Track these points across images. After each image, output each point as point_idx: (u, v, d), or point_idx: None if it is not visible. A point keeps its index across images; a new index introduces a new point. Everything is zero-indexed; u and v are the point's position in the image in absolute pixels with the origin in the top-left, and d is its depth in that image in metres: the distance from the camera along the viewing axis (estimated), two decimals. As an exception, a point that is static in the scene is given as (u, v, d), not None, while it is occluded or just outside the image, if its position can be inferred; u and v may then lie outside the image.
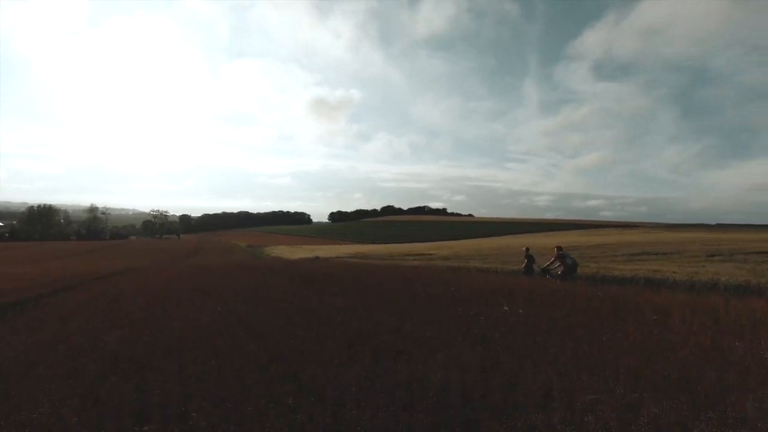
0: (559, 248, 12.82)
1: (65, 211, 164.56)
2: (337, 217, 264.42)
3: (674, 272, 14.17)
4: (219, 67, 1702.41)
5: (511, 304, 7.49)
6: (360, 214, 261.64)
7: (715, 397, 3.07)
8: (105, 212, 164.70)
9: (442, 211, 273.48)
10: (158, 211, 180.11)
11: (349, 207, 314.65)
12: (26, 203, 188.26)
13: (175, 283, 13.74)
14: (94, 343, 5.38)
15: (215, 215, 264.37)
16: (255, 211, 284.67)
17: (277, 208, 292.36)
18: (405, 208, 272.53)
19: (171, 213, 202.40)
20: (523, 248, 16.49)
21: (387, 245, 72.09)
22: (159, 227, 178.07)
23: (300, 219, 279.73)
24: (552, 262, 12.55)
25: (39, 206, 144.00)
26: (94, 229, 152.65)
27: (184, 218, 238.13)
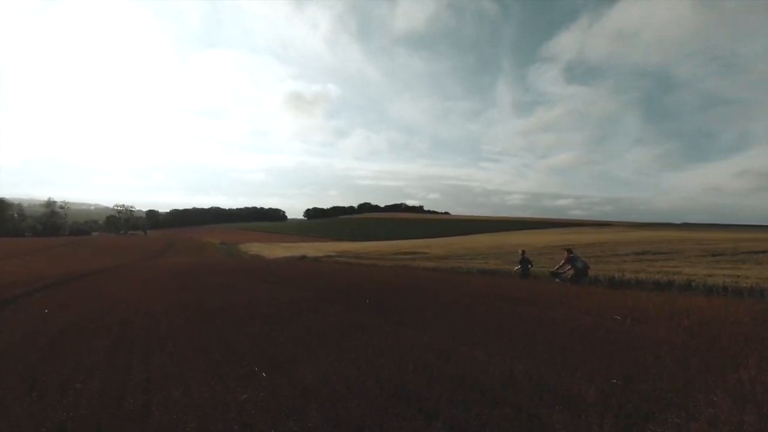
0: (570, 250, 12.16)
1: (19, 205, 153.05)
2: (313, 213, 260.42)
3: (709, 275, 13.02)
4: (190, 56, 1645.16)
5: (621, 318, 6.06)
6: (337, 211, 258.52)
7: None
8: (64, 207, 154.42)
9: (419, 209, 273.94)
10: (123, 206, 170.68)
11: (324, 204, 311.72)
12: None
13: (146, 294, 11.58)
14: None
15: (185, 211, 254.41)
16: (228, 207, 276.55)
17: (251, 205, 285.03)
18: (382, 205, 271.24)
19: (137, 208, 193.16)
20: (520, 250, 15.82)
21: (372, 243, 70.19)
22: (124, 223, 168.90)
23: (275, 216, 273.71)
24: (562, 265, 11.90)
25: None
26: (52, 224, 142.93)
27: (152, 214, 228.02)
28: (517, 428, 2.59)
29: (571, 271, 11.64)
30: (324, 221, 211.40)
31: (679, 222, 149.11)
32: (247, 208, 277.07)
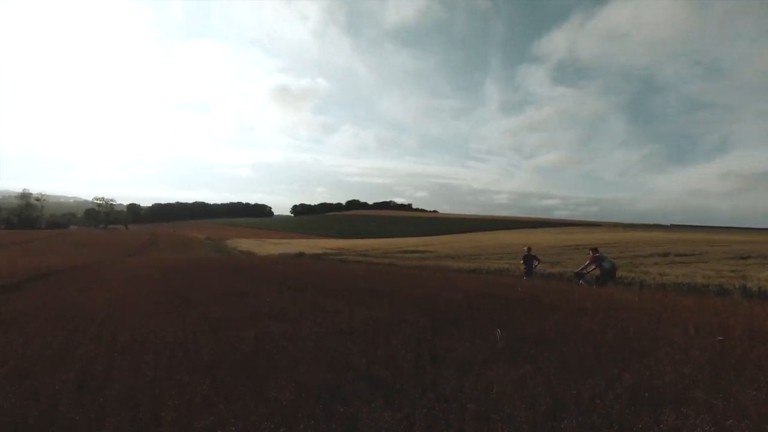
0: (595, 250, 11.46)
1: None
2: (300, 210, 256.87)
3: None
4: (173, 46, 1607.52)
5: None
6: (325, 207, 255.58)
7: None
8: (40, 199, 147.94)
9: (407, 207, 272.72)
10: (103, 199, 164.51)
11: (311, 200, 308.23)
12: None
13: (128, 307, 9.50)
14: None
15: (168, 205, 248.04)
16: (213, 203, 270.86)
17: (236, 200, 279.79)
18: (371, 202, 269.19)
19: (118, 202, 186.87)
20: (525, 247, 15.23)
21: (367, 240, 68.17)
22: (104, 217, 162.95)
23: (261, 211, 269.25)
24: (587, 266, 11.28)
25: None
26: (27, 217, 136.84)
27: (133, 208, 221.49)
28: None
29: (597, 272, 11.07)
30: (312, 218, 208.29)
31: (667, 223, 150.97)
32: (232, 204, 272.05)
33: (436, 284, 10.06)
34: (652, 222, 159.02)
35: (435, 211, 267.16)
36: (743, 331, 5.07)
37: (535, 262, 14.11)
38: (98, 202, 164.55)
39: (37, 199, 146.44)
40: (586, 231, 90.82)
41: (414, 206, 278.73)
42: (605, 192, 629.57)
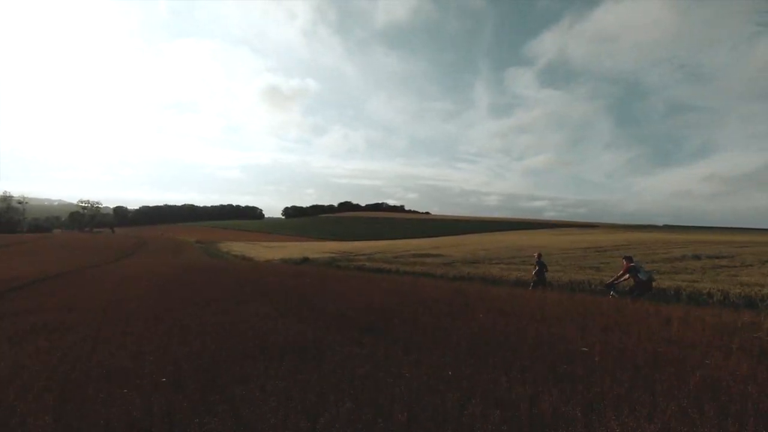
0: (629, 258, 10.36)
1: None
2: (292, 212, 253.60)
3: None
4: (159, 45, 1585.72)
5: None
6: (317, 209, 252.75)
7: None
8: (22, 202, 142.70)
9: (400, 209, 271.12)
10: (88, 201, 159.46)
11: (300, 202, 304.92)
12: None
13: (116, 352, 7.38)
14: None
15: (156, 208, 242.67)
16: (202, 205, 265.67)
17: (225, 202, 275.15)
18: (363, 204, 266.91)
19: (104, 204, 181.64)
20: (535, 253, 14.27)
21: (372, 243, 66.10)
22: (89, 220, 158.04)
23: (251, 214, 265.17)
24: (620, 276, 10.26)
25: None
26: (8, 220, 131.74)
27: (120, 210, 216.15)
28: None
29: (630, 282, 10.20)
30: (304, 220, 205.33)
31: (660, 224, 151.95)
32: (222, 206, 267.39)
33: (558, 313, 7.76)
34: (643, 223, 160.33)
35: (427, 213, 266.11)
36: None
37: (545, 270, 13.23)
38: (83, 204, 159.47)
39: (20, 202, 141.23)
40: (584, 232, 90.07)
41: (406, 208, 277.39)
42: (593, 194, 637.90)
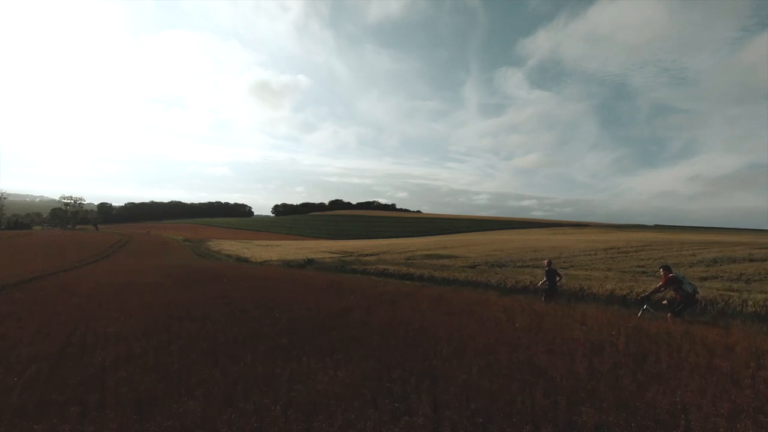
0: (668, 268, 8.73)
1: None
2: (282, 209, 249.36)
3: None
4: (145, 37, 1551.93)
5: None
6: (307, 207, 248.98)
7: None
8: (2, 198, 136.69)
9: (392, 207, 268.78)
10: (71, 197, 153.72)
11: (289, 200, 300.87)
12: None
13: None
14: None
15: (142, 204, 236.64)
16: (189, 202, 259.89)
17: (214, 200, 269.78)
18: (354, 202, 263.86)
19: (88, 201, 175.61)
20: (545, 261, 12.92)
21: (371, 241, 63.63)
22: (71, 216, 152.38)
23: (240, 211, 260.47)
24: (659, 288, 8.62)
25: None
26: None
27: (104, 207, 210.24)
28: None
29: (669, 296, 9.19)
30: (295, 218, 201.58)
31: (650, 224, 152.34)
32: (210, 203, 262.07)
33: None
34: (629, 222, 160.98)
35: (419, 212, 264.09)
36: None
37: (557, 278, 11.69)
38: (66, 200, 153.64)
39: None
40: (580, 231, 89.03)
41: (396, 206, 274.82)
42: (578, 193, 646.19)
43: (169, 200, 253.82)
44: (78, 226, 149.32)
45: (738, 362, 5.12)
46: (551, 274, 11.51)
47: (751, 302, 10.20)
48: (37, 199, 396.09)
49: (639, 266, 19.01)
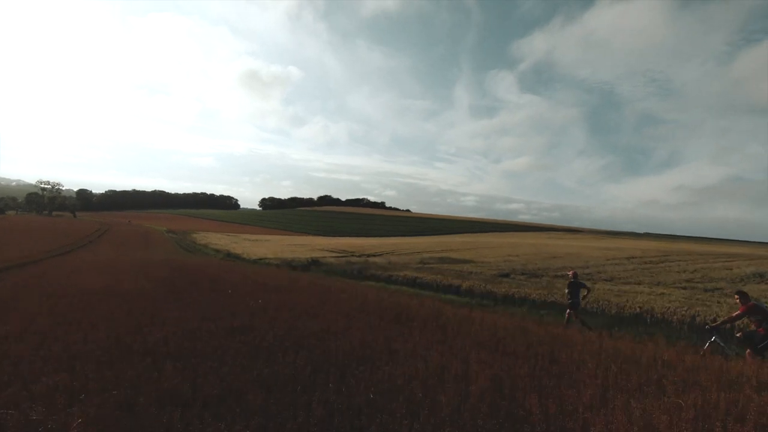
0: (744, 294, 7.03)
1: None
2: (270, 203, 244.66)
3: None
4: (131, 19, 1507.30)
5: None
6: (295, 202, 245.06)
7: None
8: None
9: (381, 205, 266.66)
10: (48, 182, 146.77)
11: (276, 194, 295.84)
12: None
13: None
14: None
15: (123, 193, 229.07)
16: (174, 192, 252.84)
17: (199, 190, 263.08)
18: (342, 199, 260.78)
19: (67, 187, 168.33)
20: (570, 272, 11.24)
21: (367, 240, 61.07)
22: (48, 202, 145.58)
23: (226, 203, 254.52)
24: (735, 317, 7.10)
25: None
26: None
27: (83, 194, 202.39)
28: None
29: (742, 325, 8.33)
30: (283, 212, 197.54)
31: (641, 231, 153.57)
32: (195, 194, 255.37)
33: None
34: (615, 229, 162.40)
35: (408, 211, 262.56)
36: None
37: (584, 291, 10.38)
38: (43, 185, 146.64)
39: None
40: (575, 237, 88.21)
41: (384, 204, 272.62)
42: (565, 198, 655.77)
43: (152, 189, 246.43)
44: (55, 213, 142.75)
45: None
46: (576, 286, 10.31)
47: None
48: (13, 183, 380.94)
49: (687, 280, 17.07)
